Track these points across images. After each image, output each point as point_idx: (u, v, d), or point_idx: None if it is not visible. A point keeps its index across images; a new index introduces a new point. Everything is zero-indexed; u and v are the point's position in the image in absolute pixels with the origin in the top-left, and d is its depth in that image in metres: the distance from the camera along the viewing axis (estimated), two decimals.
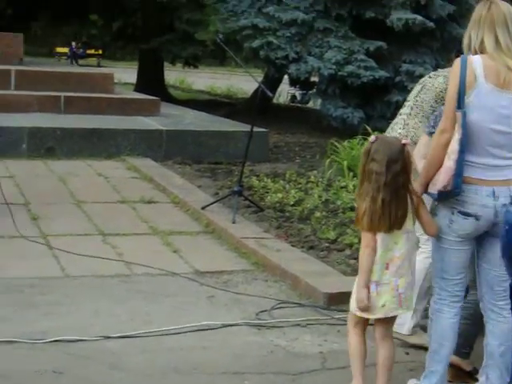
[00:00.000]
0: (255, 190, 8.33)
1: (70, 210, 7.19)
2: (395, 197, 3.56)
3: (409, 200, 3.63)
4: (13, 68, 11.09)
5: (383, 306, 3.63)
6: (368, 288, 3.62)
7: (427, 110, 4.49)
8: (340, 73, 12.49)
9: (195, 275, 5.70)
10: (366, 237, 3.64)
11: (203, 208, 7.24)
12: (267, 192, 8.22)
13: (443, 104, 4.18)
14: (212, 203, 7.33)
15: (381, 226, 3.58)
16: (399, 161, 3.55)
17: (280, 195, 7.96)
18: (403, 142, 3.62)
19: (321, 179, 8.84)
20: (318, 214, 7.22)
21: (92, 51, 54.34)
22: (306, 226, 6.96)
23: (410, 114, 4.62)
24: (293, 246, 6.43)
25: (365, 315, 3.69)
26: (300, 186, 8.61)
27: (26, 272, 5.50)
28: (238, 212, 7.07)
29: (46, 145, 9.45)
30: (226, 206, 7.43)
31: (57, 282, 5.40)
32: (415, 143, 4.36)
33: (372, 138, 3.69)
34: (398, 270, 3.62)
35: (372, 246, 3.61)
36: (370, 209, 3.57)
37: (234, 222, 6.83)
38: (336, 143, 9.85)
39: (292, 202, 7.75)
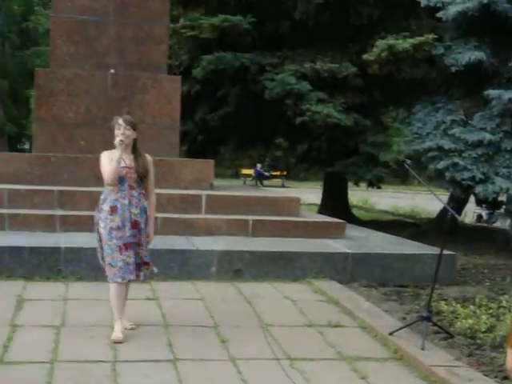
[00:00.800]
0: (444, 316, 8.12)
1: (257, 334, 7.24)
2: None
3: None
4: (204, 193, 11.55)
5: None
6: None
7: None
8: None
9: None
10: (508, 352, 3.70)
11: (391, 333, 7.12)
12: (457, 317, 7.99)
13: None
14: (400, 329, 7.20)
15: None
16: None
17: (470, 321, 7.70)
18: None
19: None
20: None
21: (277, 173, 56.13)
22: (500, 354, 6.67)
23: None
24: (485, 375, 6.16)
25: None
26: (491, 311, 8.31)
27: None
28: (427, 338, 6.90)
29: (234, 267, 9.69)
30: (415, 331, 7.27)
31: None
32: None
33: None
34: None
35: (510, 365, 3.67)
36: None
37: (423, 349, 6.66)
38: None
39: (483, 329, 7.47)
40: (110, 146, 13.00)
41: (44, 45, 57.33)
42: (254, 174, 54.18)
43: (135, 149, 6.91)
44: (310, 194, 29.87)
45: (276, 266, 9.80)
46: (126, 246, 6.76)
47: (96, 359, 6.21)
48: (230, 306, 8.20)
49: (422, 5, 14.51)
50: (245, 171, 56.94)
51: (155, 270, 7.13)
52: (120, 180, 6.77)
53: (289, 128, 18.32)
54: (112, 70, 12.98)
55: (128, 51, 13.30)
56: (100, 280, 9.07)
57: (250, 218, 11.13)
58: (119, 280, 6.77)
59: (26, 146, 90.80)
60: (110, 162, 6.74)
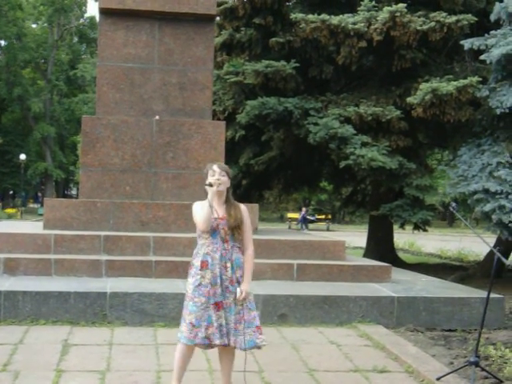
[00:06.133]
0: (492, 360, 7.96)
1: (302, 379, 7.18)
2: None
3: None
4: None
5: None
6: None
7: None
8: None
9: None
10: None
11: (438, 379, 7.00)
12: (505, 362, 7.82)
13: None
14: (447, 374, 7.08)
15: None
16: None
17: None
18: None
19: None
20: None
21: (322, 216, 56.23)
22: None
23: None
24: None
25: None
26: None
27: None
28: None
29: (278, 312, 9.65)
30: (462, 376, 7.15)
31: None
32: None
33: None
34: None
35: None
36: None
37: None
38: None
39: None
40: (155, 190, 13.07)
41: (91, 92, 58.49)
42: (299, 218, 54.24)
43: (228, 199, 6.38)
44: (355, 237, 29.74)
45: (321, 311, 9.75)
46: (218, 306, 6.08)
47: None
48: (274, 350, 8.14)
49: (465, 48, 14.51)
50: (290, 215, 57.17)
51: (242, 345, 6.21)
52: (212, 232, 6.19)
53: (333, 171, 18.35)
54: (157, 117, 13.14)
55: (172, 97, 13.47)
56: (145, 325, 9.11)
57: (295, 261, 11.12)
58: (197, 342, 6.09)
59: (74, 192, 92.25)
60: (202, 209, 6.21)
